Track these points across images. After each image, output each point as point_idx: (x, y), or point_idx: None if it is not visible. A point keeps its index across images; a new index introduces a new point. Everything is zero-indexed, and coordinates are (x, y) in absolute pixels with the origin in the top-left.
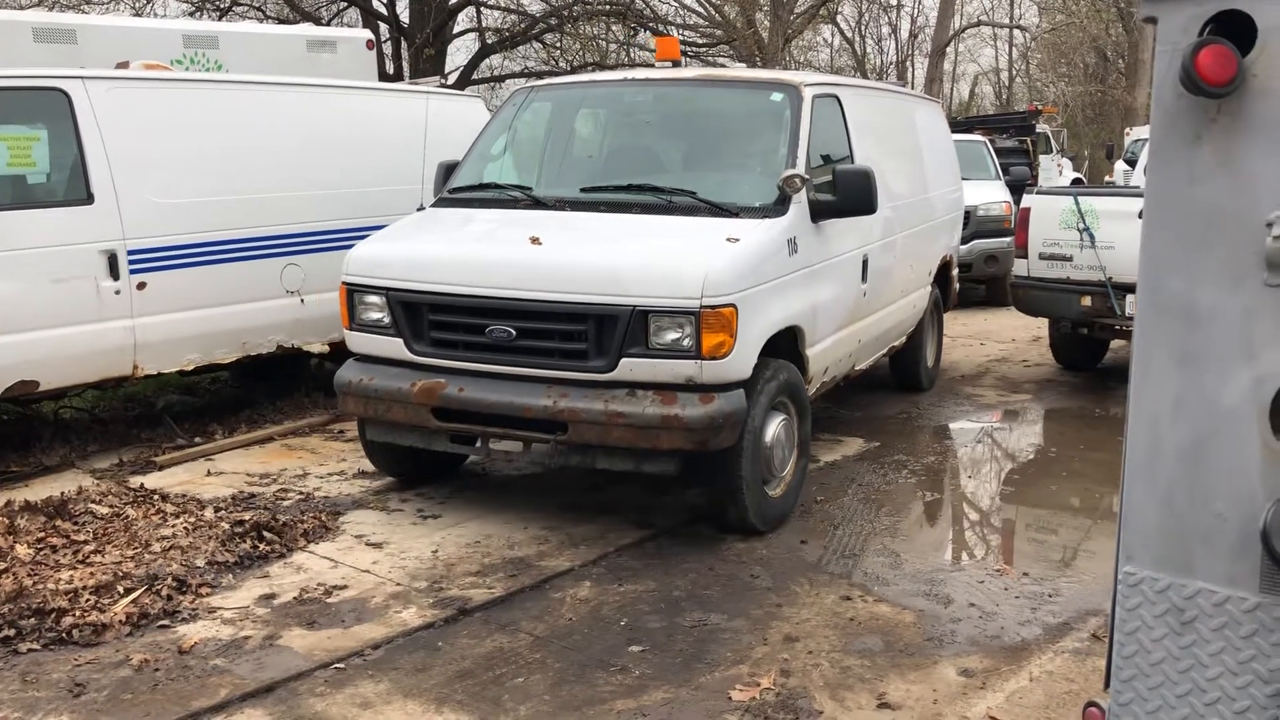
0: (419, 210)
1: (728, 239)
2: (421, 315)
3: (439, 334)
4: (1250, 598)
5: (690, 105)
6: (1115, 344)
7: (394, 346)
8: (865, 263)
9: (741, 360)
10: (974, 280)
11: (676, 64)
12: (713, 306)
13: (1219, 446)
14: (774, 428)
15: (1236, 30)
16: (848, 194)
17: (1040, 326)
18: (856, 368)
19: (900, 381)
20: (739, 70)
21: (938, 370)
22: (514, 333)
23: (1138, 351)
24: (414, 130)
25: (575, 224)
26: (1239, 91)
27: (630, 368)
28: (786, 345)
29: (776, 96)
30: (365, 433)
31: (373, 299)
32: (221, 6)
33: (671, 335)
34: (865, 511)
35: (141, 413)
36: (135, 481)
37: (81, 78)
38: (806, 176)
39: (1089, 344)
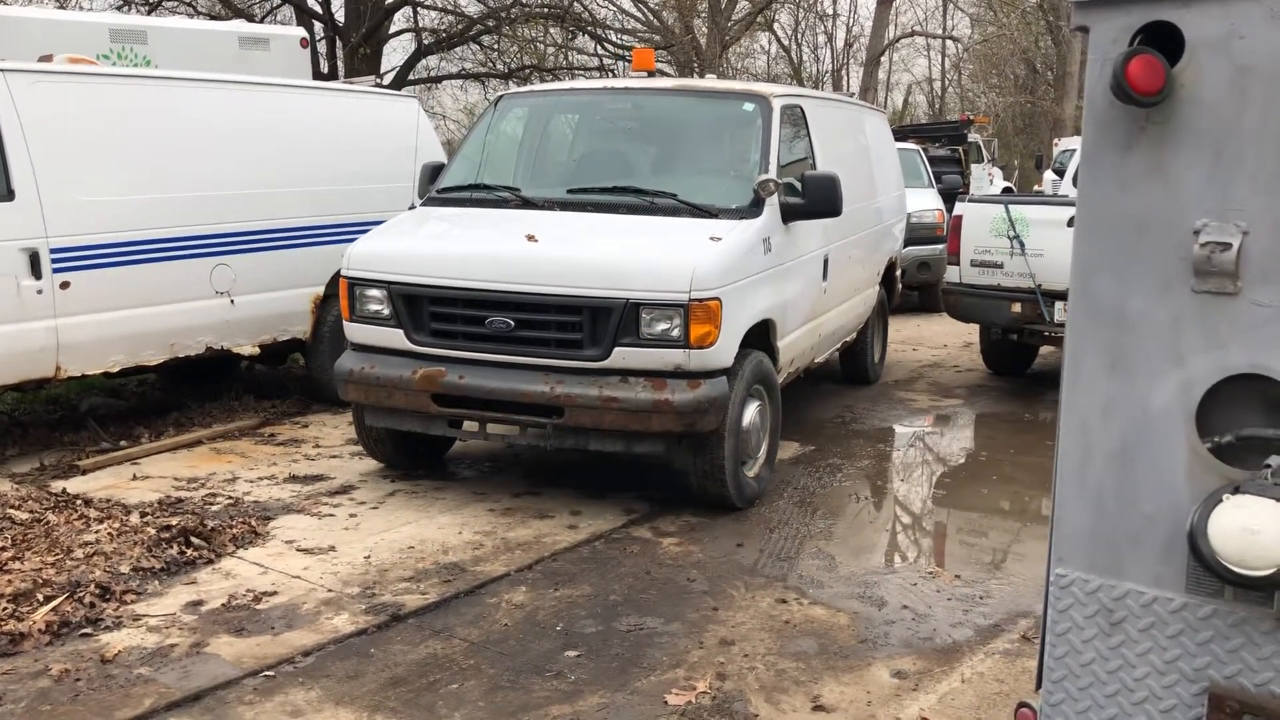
0: (410, 209)
1: (711, 237)
2: (422, 307)
3: (439, 325)
4: (1177, 598)
5: (668, 113)
6: (1044, 350)
7: (395, 337)
8: (826, 262)
9: (725, 349)
10: (907, 287)
11: (651, 74)
12: (700, 299)
13: (1148, 450)
14: (751, 413)
15: (1165, 41)
16: (816, 197)
17: (971, 332)
18: (816, 360)
19: (849, 374)
20: (712, 81)
21: (883, 365)
22: (513, 324)
23: (1069, 356)
24: (348, 130)
25: (565, 223)
26: (1168, 101)
27: (623, 356)
28: (760, 337)
29: (748, 106)
30: (364, 419)
31: (374, 292)
32: (151, 2)
33: (661, 326)
34: (800, 515)
35: (64, 415)
36: (57, 486)
37: (2, 70)
38: (779, 180)
39: (1019, 350)
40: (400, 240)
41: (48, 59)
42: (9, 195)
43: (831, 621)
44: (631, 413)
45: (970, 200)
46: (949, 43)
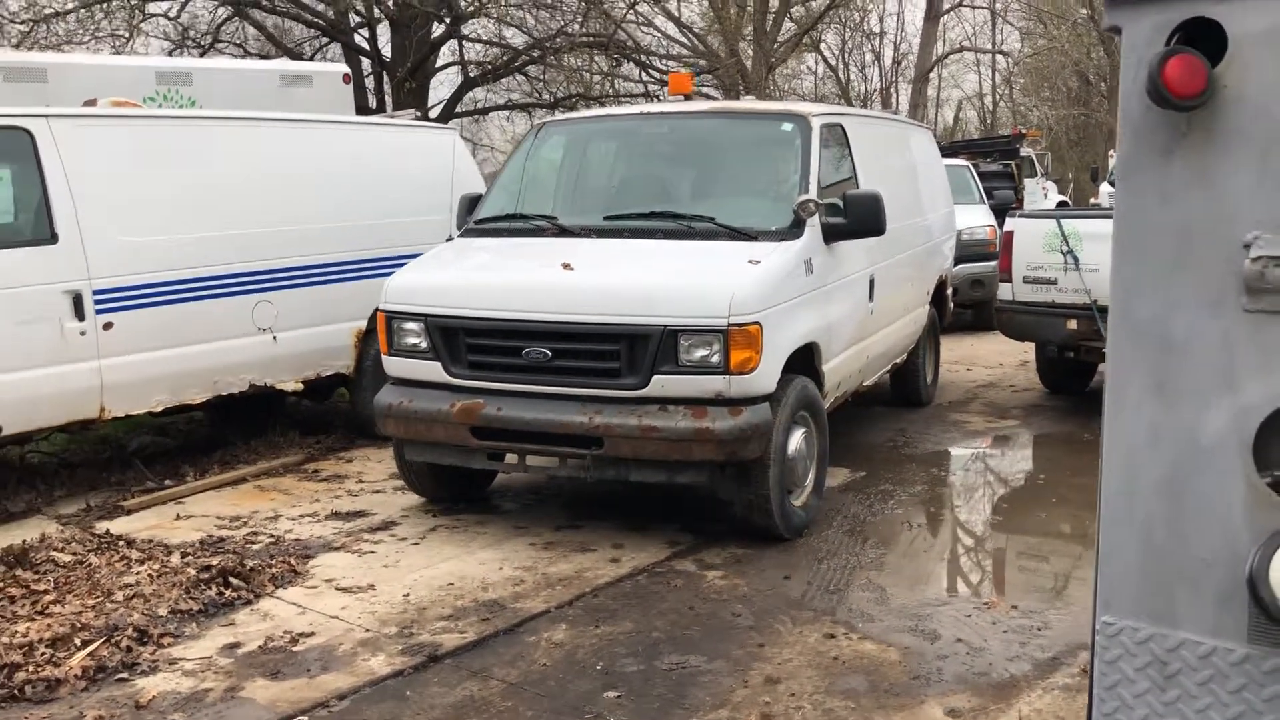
0: (448, 240)
1: (750, 260)
2: (459, 339)
3: (476, 357)
4: (1238, 649)
5: (705, 136)
6: (1103, 367)
7: (432, 370)
8: (872, 282)
9: (766, 375)
10: (960, 305)
11: (688, 98)
12: (739, 324)
13: (1200, 483)
14: (796, 440)
15: (1206, 39)
16: (858, 216)
17: (1027, 351)
18: (864, 383)
19: (901, 397)
20: (749, 103)
21: (936, 387)
22: (550, 354)
23: (1111, 381)
24: (387, 164)
25: (602, 250)
26: (1210, 103)
27: (661, 384)
28: (804, 361)
29: (787, 126)
30: (403, 454)
31: (411, 325)
32: (203, 45)
33: (701, 352)
34: (851, 544)
35: (112, 455)
36: (101, 527)
37: (45, 116)
38: (819, 201)
39: (1076, 367)
40: (436, 272)
41: (92, 103)
42: (52, 239)
43: (882, 657)
44: (672, 442)
45: (1021, 215)
46: (999, 57)
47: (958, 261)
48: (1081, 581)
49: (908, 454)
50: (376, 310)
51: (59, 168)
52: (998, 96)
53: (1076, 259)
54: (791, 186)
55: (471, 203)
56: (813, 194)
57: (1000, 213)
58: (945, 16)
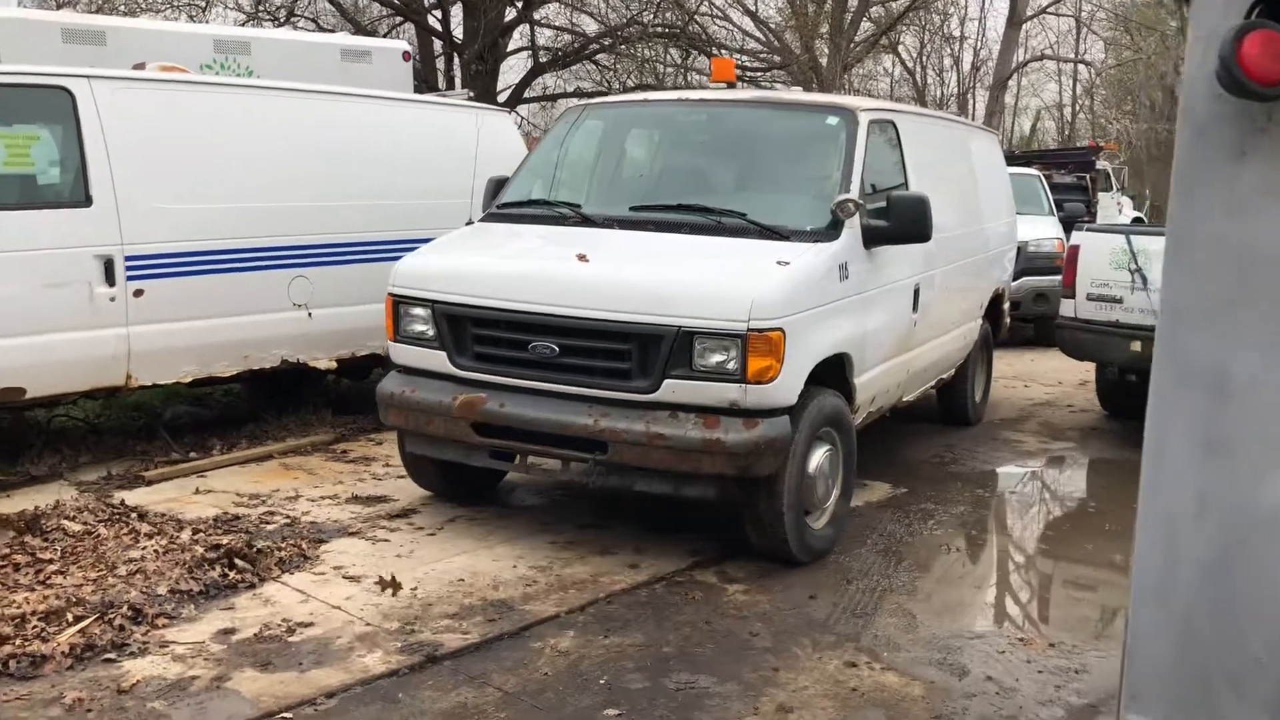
0: (467, 224)
1: (778, 261)
2: (465, 329)
3: (482, 348)
4: None
5: (744, 126)
6: None
7: (437, 360)
8: (917, 292)
9: (787, 386)
10: (1022, 319)
11: (731, 85)
12: (760, 330)
13: (1254, 564)
14: (818, 457)
15: None
16: (902, 220)
17: (1088, 370)
18: (904, 399)
19: (947, 415)
20: (795, 93)
21: (985, 405)
22: (557, 349)
23: (1151, 433)
24: (436, 143)
25: (623, 242)
26: None
27: (673, 389)
28: (833, 373)
29: (832, 120)
30: (404, 446)
31: (418, 311)
32: (278, 18)
33: (716, 358)
34: (883, 565)
35: (146, 423)
36: (118, 497)
37: (87, 76)
38: (860, 201)
39: (1139, 391)
40: (446, 257)
41: (140, 66)
42: (86, 201)
43: (904, 691)
44: (680, 452)
45: (1089, 229)
46: (1081, 67)
47: (1021, 274)
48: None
49: (953, 471)
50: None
51: (98, 130)
52: (1077, 107)
53: (1145, 278)
54: (832, 185)
55: (497, 186)
56: (854, 194)
57: (1070, 225)
58: (1028, 23)
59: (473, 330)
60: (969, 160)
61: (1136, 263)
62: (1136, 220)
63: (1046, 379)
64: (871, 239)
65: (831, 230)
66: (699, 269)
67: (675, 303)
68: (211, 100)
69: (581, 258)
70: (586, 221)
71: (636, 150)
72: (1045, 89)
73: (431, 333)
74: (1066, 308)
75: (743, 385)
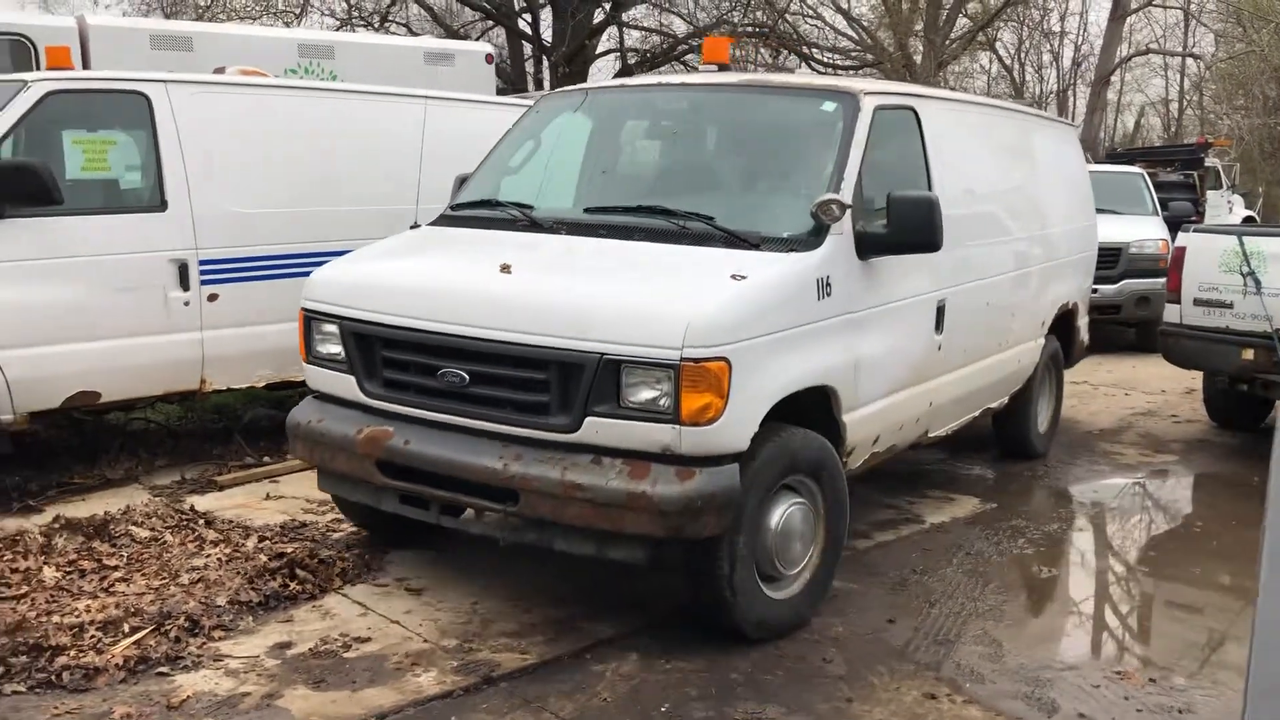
0: (412, 228)
1: (733, 275)
2: (375, 350)
3: (391, 373)
4: None
5: (727, 115)
6: None
7: (347, 385)
8: (941, 309)
9: (735, 428)
10: (1122, 323)
11: (724, 68)
12: (696, 359)
13: None
14: (782, 514)
15: None
16: (903, 225)
17: (1194, 378)
18: (930, 434)
19: (1005, 447)
20: (792, 76)
21: (1053, 436)
22: (466, 377)
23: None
24: None
25: (560, 251)
26: None
27: (596, 429)
28: (817, 408)
29: (828, 106)
30: (319, 481)
31: (329, 328)
32: (371, 23)
33: (647, 394)
34: (969, 587)
35: (224, 426)
36: (189, 502)
37: (164, 81)
38: (847, 203)
39: (1249, 402)
40: (362, 266)
41: (220, 71)
42: (162, 206)
43: None
44: (599, 506)
45: (1195, 230)
46: (1189, 61)
47: (1123, 276)
48: (1239, 650)
49: (1046, 486)
50: None
51: (173, 134)
52: (1185, 102)
53: (1258, 281)
54: (820, 182)
55: (461, 184)
56: (846, 193)
57: (1176, 225)
58: (1132, 17)
59: (382, 353)
60: (1030, 155)
61: (1249, 265)
62: (1248, 220)
63: (1149, 387)
64: (868, 247)
65: (813, 238)
66: (633, 284)
67: (597, 325)
68: (287, 103)
69: (505, 269)
70: (534, 225)
71: (605, 142)
72: (1150, 84)
73: (341, 354)
74: (1171, 313)
75: (676, 427)
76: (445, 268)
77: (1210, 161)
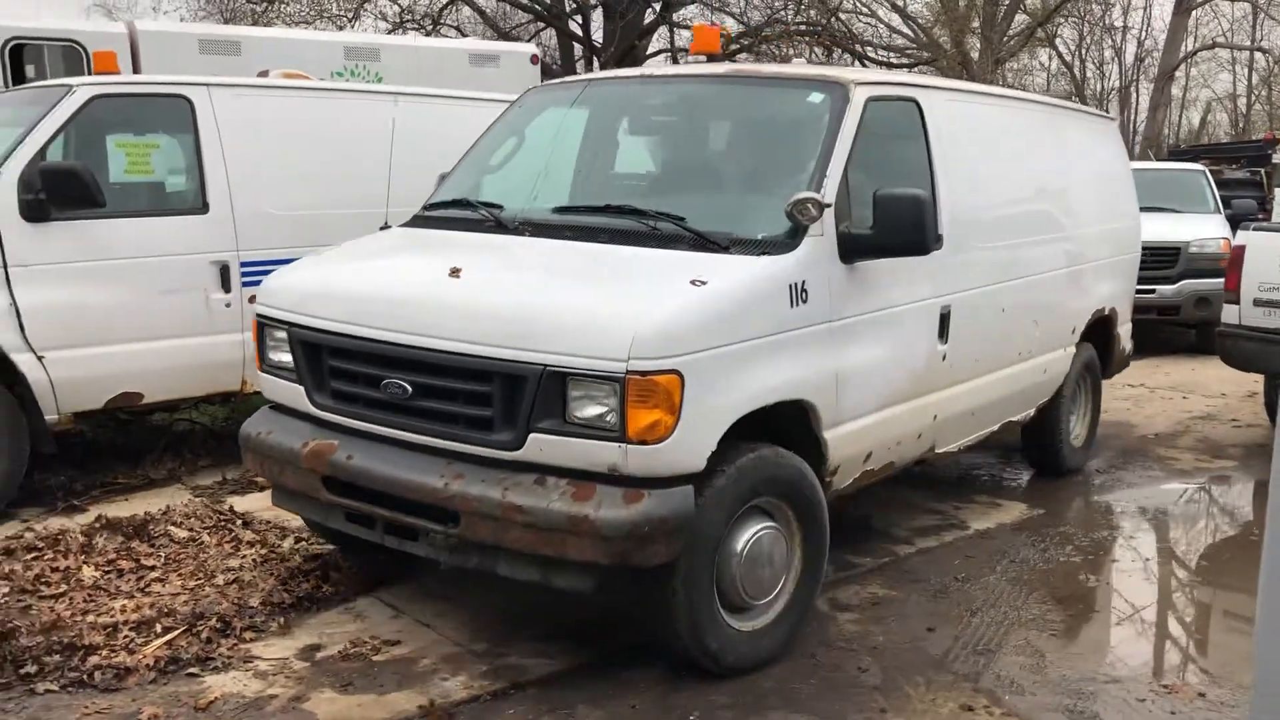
0: (382, 229)
1: (691, 281)
2: (322, 359)
3: (338, 384)
4: None
5: (710, 108)
6: None
7: (296, 395)
8: (945, 316)
9: (690, 446)
10: (1182, 324)
11: (712, 58)
12: (643, 372)
13: None
14: (749, 539)
15: None
16: (890, 226)
17: (1258, 380)
18: (938, 449)
19: (1034, 462)
20: (783, 67)
21: (1090, 450)
22: (410, 389)
23: None
24: None
25: (519, 253)
26: None
27: (540, 446)
28: (795, 424)
29: (815, 97)
30: (273, 496)
31: (280, 335)
32: (425, 28)
33: (592, 409)
34: (1012, 595)
35: None
36: (229, 502)
37: (206, 85)
38: (827, 201)
39: None
40: (313, 270)
41: (264, 74)
42: (204, 208)
43: None
44: (540, 531)
45: (1256, 228)
46: (1257, 55)
47: (1182, 276)
48: None
49: (1097, 492)
50: None
51: (215, 137)
52: (1253, 98)
53: None
54: (801, 179)
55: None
56: (827, 192)
57: (1239, 224)
58: (1198, 10)
59: (328, 362)
60: (1058, 150)
61: None
62: None
63: (1208, 389)
64: (852, 250)
65: (788, 240)
66: (583, 290)
67: (540, 334)
68: (328, 106)
69: (454, 273)
70: (499, 226)
71: (581, 139)
72: (1217, 79)
73: (290, 362)
74: (1230, 314)
75: (622, 445)
76: (395, 272)
77: (1278, 158)
